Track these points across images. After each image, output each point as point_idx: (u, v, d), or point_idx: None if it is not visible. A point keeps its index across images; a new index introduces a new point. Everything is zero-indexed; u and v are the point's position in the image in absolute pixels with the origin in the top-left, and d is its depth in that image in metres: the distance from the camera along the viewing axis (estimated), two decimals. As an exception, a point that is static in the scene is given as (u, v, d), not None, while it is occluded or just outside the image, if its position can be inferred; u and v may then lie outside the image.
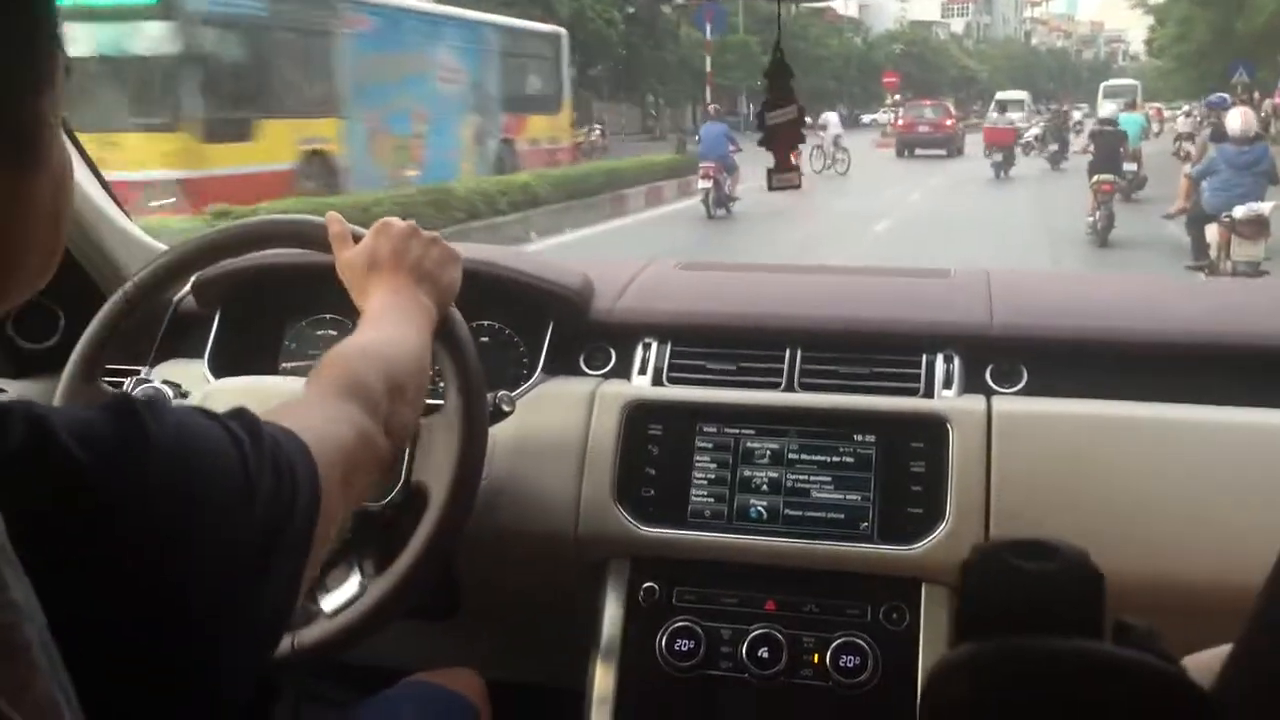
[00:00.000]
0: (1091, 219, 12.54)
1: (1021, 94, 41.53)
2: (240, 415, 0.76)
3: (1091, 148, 13.55)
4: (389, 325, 1.09)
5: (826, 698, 1.37)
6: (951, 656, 0.69)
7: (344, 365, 0.98)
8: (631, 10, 30.77)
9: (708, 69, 27.10)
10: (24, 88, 0.60)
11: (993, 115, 33.13)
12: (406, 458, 1.30)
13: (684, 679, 1.41)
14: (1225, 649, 0.69)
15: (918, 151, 30.60)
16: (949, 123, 31.55)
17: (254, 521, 0.70)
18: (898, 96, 44.22)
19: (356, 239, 1.23)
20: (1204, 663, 0.73)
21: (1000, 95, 40.96)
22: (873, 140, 36.50)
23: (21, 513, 0.55)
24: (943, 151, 30.25)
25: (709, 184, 15.37)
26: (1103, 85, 47.25)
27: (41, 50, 0.61)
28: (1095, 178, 12.59)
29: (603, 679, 1.43)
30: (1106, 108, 15.59)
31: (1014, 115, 31.86)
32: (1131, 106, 22.08)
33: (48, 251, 0.66)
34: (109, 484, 0.64)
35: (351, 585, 1.25)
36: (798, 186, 1.48)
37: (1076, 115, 27.57)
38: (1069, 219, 13.62)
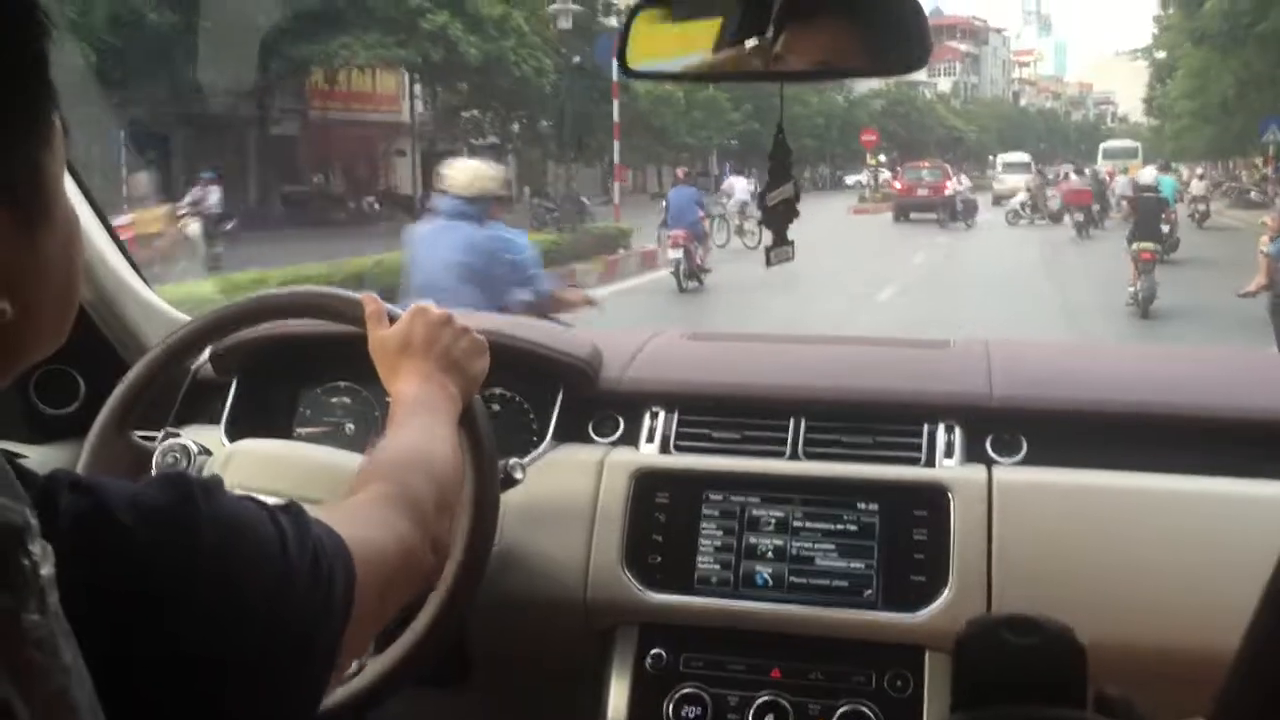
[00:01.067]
0: (1133, 289, 12.37)
1: (1024, 156, 41.78)
2: (289, 509, 0.82)
3: (1131, 214, 13.41)
4: (427, 422, 1.16)
5: None
6: None
7: (398, 476, 1.04)
8: (578, 60, 27.84)
9: (614, 118, 24.06)
10: (28, 145, 0.66)
11: (1000, 177, 33.37)
12: None
13: None
14: None
15: (913, 215, 30.06)
16: (944, 187, 31.03)
17: (290, 610, 0.76)
18: (882, 157, 44.07)
19: (392, 319, 1.31)
20: None
21: (1004, 158, 41.32)
22: (848, 206, 34.12)
23: (70, 578, 0.59)
24: (938, 215, 29.62)
25: (679, 254, 14.77)
26: (1102, 146, 47.71)
27: (41, 107, 0.67)
28: (1136, 245, 12.41)
29: None
30: (1147, 174, 15.21)
31: (1022, 178, 31.94)
32: (1165, 169, 22.89)
33: (64, 305, 0.72)
34: (157, 556, 0.70)
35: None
36: (791, 259, 1.55)
37: (1075, 178, 28.10)
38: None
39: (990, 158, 60.35)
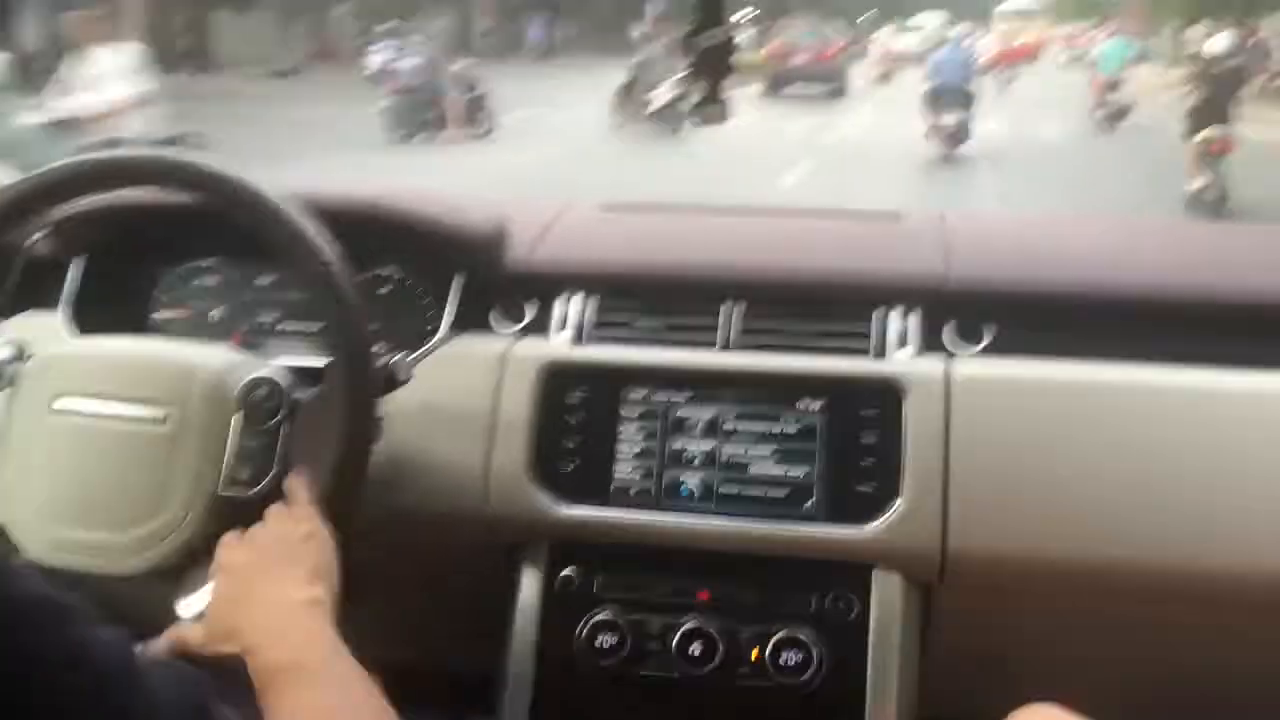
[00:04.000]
0: (1196, 186, 11.03)
1: (927, 18, 41.39)
2: None
3: (1196, 90, 11.64)
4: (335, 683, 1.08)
5: (766, 698, 1.42)
6: None
7: None
8: None
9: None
10: None
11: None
12: (281, 441, 1.34)
13: (607, 677, 1.44)
14: None
15: (787, 91, 25.19)
16: (830, 51, 26.51)
17: None
18: (750, 9, 42.58)
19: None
20: None
21: (914, 21, 40.95)
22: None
23: None
24: (823, 88, 25.56)
25: None
26: (998, 9, 46.21)
27: None
28: (1203, 134, 10.95)
29: (518, 675, 1.47)
30: (1220, 42, 12.48)
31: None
32: (1114, 33, 22.25)
33: None
34: None
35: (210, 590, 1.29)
36: (723, 120, 1.50)
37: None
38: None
39: (860, 19, 60.56)
